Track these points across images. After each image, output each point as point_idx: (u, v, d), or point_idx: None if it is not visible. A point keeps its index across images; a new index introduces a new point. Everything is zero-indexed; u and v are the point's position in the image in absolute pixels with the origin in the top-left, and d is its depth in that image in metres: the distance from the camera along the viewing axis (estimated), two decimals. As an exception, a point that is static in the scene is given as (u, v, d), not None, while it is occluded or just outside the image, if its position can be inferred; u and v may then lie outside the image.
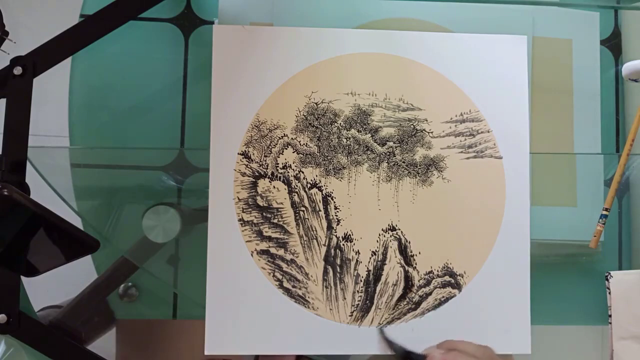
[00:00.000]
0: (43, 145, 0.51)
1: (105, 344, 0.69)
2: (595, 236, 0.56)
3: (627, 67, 0.57)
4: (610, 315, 0.57)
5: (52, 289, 0.73)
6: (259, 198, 0.53)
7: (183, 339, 0.72)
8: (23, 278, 0.46)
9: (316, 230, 0.53)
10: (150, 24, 0.57)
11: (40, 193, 0.47)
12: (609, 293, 0.57)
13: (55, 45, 0.48)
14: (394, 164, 0.54)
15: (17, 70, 0.47)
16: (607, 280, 0.57)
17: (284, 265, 0.53)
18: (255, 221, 0.53)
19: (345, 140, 0.54)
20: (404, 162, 0.54)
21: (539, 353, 0.55)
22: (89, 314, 0.63)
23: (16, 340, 0.47)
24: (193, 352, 0.52)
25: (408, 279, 0.53)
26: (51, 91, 0.58)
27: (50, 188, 0.54)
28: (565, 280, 0.59)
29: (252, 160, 0.53)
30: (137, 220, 0.54)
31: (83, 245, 0.43)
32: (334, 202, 0.53)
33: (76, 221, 0.47)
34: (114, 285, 0.57)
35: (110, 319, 0.62)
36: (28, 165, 0.47)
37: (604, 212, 0.56)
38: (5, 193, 0.39)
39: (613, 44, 0.61)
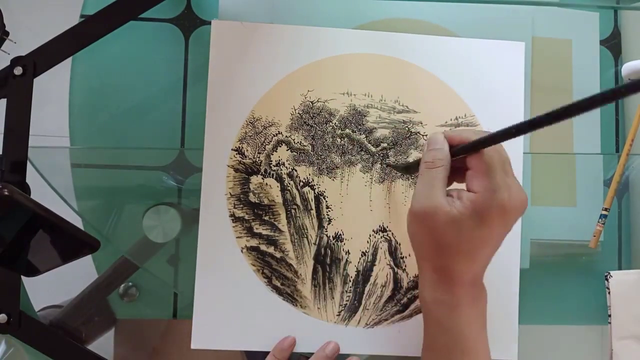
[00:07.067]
0: (43, 145, 0.51)
1: (105, 343, 0.69)
2: (595, 236, 0.56)
3: (627, 67, 0.57)
4: (610, 315, 0.57)
5: (52, 289, 0.73)
6: (251, 194, 0.53)
7: (181, 339, 0.72)
8: (23, 278, 0.46)
9: (307, 229, 0.53)
10: (150, 24, 0.57)
11: (41, 193, 0.48)
12: (609, 293, 0.57)
13: (55, 46, 0.48)
14: (387, 166, 0.54)
15: (18, 70, 0.47)
16: (607, 280, 0.57)
17: (273, 263, 0.53)
18: (246, 217, 0.53)
19: (339, 140, 0.54)
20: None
21: (539, 353, 0.55)
22: (89, 314, 0.63)
23: (17, 340, 0.47)
24: (190, 352, 0.52)
25: (397, 281, 0.53)
26: (51, 91, 0.59)
27: (50, 188, 0.54)
28: (564, 280, 0.59)
29: (245, 157, 0.53)
30: (137, 220, 0.54)
31: (83, 245, 0.43)
32: (326, 201, 0.53)
33: (76, 221, 0.47)
34: (114, 285, 0.57)
35: (111, 319, 0.62)
36: (28, 165, 0.47)
37: (604, 212, 0.57)
38: (6, 193, 0.39)
39: (613, 44, 0.61)
